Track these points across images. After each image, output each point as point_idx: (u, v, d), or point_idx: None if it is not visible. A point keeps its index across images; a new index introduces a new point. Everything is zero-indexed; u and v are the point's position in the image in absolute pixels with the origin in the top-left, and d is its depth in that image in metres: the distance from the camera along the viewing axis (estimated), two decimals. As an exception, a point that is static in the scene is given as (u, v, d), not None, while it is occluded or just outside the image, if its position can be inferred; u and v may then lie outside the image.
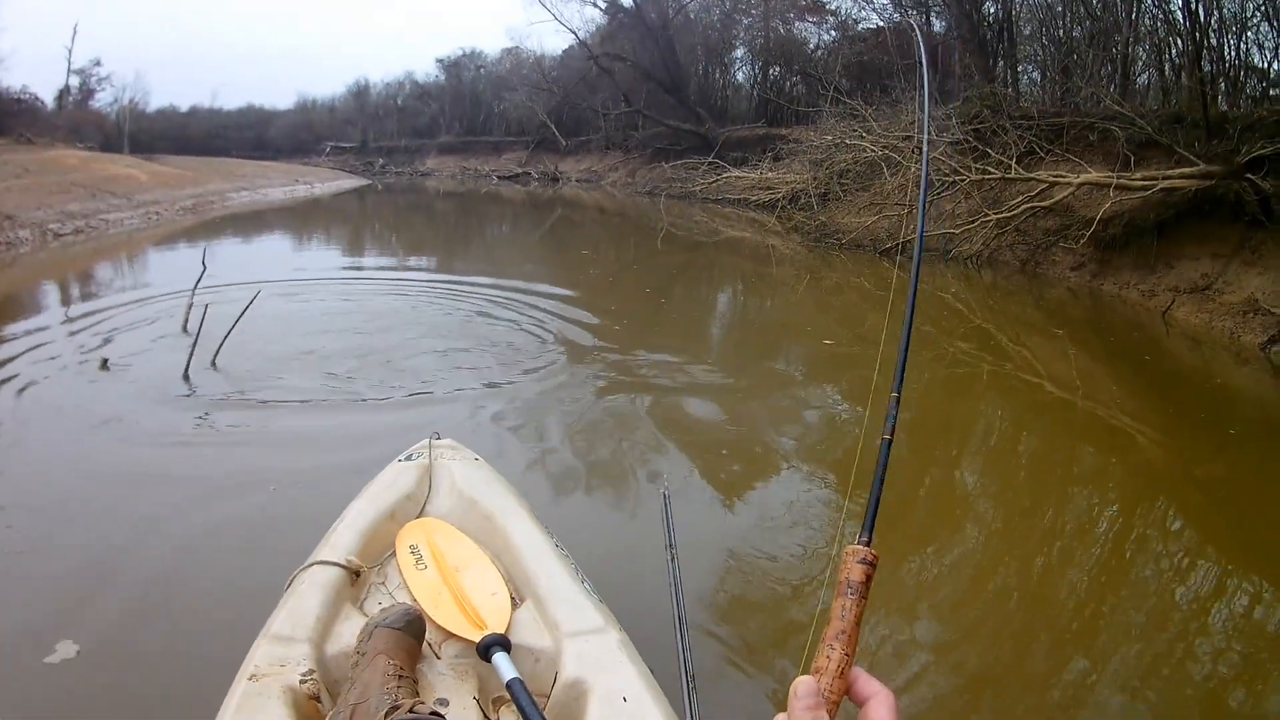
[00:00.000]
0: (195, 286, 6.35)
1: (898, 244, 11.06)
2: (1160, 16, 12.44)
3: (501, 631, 1.73)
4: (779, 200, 16.15)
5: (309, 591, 1.82)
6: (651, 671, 1.70)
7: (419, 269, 11.45)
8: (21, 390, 4.93)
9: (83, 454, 4.06)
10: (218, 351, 5.38)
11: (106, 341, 6.10)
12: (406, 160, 42.39)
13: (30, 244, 12.32)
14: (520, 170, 35.00)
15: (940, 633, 2.90)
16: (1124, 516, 4.03)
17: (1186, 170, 8.85)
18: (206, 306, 5.86)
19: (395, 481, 2.32)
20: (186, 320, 6.04)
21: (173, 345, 5.82)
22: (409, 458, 2.45)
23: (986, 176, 10.89)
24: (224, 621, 2.41)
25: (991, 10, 16.87)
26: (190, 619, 2.65)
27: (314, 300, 8.09)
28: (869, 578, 0.65)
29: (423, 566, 1.96)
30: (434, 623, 1.78)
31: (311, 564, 1.93)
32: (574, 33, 32.27)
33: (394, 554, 2.06)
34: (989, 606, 3.13)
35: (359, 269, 11.46)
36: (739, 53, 31.80)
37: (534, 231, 18.77)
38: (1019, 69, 16.73)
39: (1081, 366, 6.79)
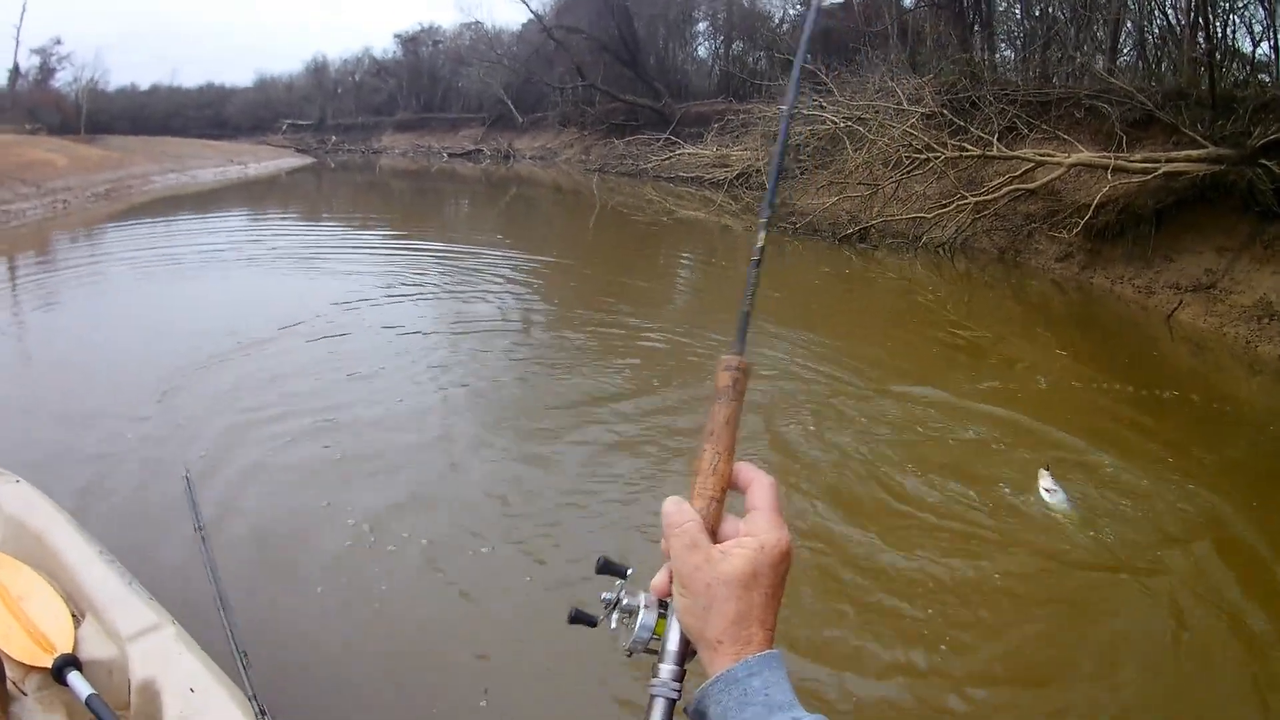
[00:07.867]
0: None
1: (860, 229, 9.80)
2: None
3: (69, 651, 1.74)
4: (730, 178, 14.84)
5: None
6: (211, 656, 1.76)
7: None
8: None
9: None
10: None
11: None
12: (363, 137, 41.26)
13: (-86, 238, 10.72)
14: (473, 148, 33.79)
15: None
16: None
17: (1193, 153, 7.73)
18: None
19: None
20: None
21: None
22: None
23: (964, 154, 9.65)
24: None
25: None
26: None
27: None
28: (735, 381, 0.68)
29: None
30: (9, 658, 1.74)
31: None
32: (524, 1, 30.40)
33: None
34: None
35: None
36: (701, 26, 30.44)
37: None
38: (995, 44, 15.56)
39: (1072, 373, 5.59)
